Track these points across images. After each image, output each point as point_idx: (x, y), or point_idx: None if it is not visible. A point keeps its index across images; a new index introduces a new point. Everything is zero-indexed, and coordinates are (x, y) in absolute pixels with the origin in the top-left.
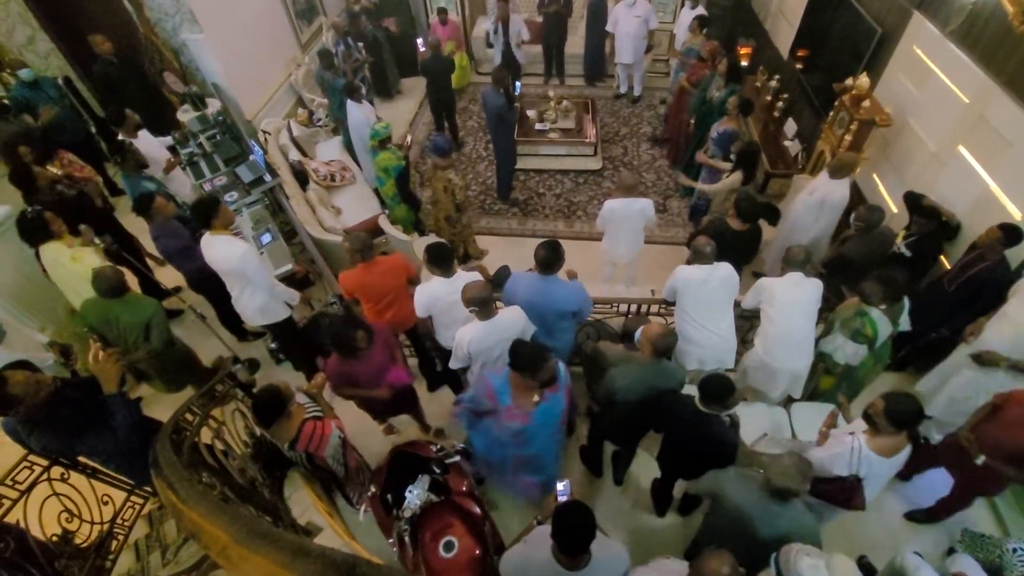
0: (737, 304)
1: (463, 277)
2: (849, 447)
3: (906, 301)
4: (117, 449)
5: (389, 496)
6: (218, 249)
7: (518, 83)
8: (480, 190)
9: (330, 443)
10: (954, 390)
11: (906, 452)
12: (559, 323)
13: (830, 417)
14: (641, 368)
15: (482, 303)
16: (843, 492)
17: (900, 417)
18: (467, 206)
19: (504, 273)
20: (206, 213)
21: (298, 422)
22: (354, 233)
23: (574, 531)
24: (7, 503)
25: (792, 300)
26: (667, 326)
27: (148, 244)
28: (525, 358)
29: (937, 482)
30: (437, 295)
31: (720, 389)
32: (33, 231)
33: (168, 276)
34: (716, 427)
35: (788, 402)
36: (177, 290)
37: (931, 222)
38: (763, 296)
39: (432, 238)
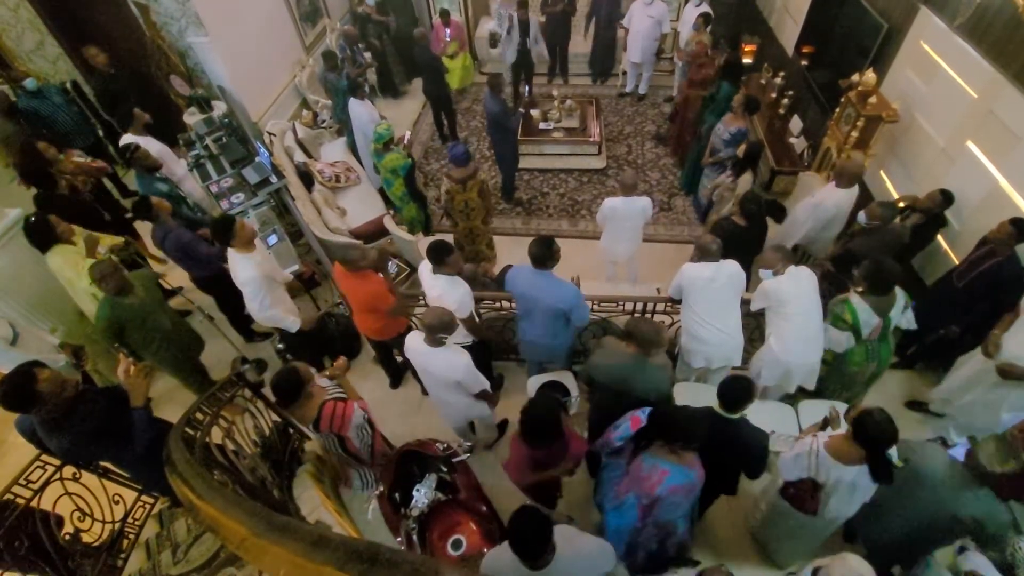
0: (744, 302)
1: (440, 280)
2: (807, 448)
3: (900, 296)
4: (133, 459)
5: (397, 495)
6: (233, 266)
7: (528, 86)
8: None
9: (353, 423)
10: (977, 397)
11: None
12: (553, 322)
13: (812, 427)
14: (621, 357)
15: (444, 329)
16: (801, 495)
17: (863, 432)
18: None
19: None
20: (225, 233)
21: (318, 403)
22: (351, 242)
23: (524, 538)
24: (21, 502)
25: (801, 293)
26: (658, 325)
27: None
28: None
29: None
30: (421, 276)
31: (741, 392)
32: (40, 237)
33: (174, 276)
34: (745, 431)
35: (795, 400)
36: (180, 289)
37: (945, 202)
38: (772, 298)
39: (435, 238)
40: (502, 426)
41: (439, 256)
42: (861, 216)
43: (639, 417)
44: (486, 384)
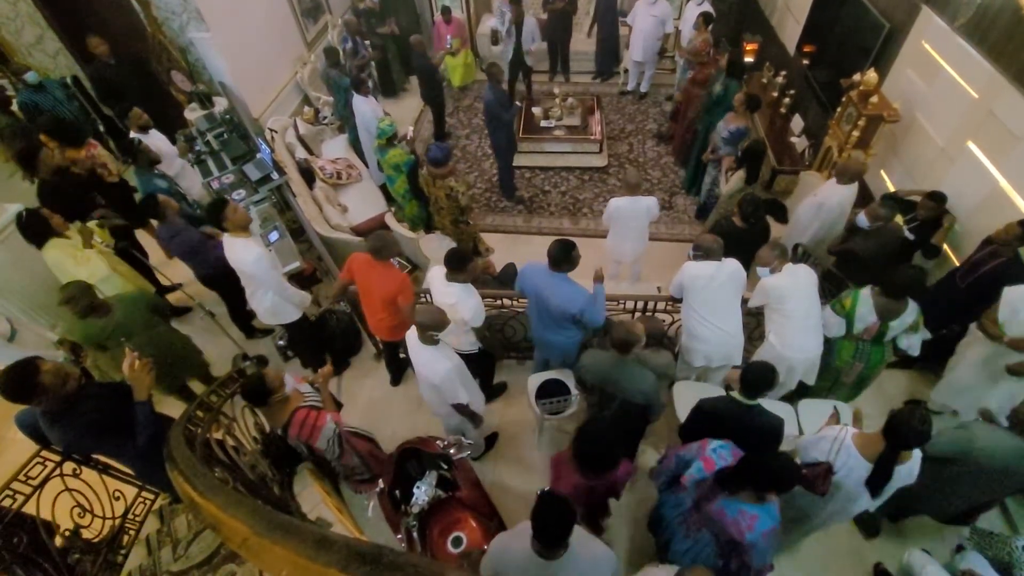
0: (744, 301)
1: (454, 288)
2: (834, 435)
3: (912, 312)
4: (134, 454)
5: (397, 492)
6: (235, 251)
7: (527, 83)
8: (486, 187)
9: (323, 434)
10: (976, 394)
11: None
12: (560, 323)
13: (831, 419)
14: (603, 358)
15: (436, 327)
16: (814, 476)
17: (894, 423)
18: (471, 208)
19: (510, 271)
20: (215, 214)
21: (292, 408)
22: (380, 232)
23: (550, 521)
24: (20, 498)
25: (799, 289)
26: (629, 322)
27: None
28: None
29: None
30: (432, 282)
31: (764, 378)
32: (34, 232)
33: (174, 272)
34: (762, 417)
35: (795, 399)
36: (179, 286)
37: (937, 207)
38: (771, 295)
39: (437, 236)
40: (490, 439)
41: (459, 264)
42: (862, 219)
43: (711, 459)
44: (463, 399)
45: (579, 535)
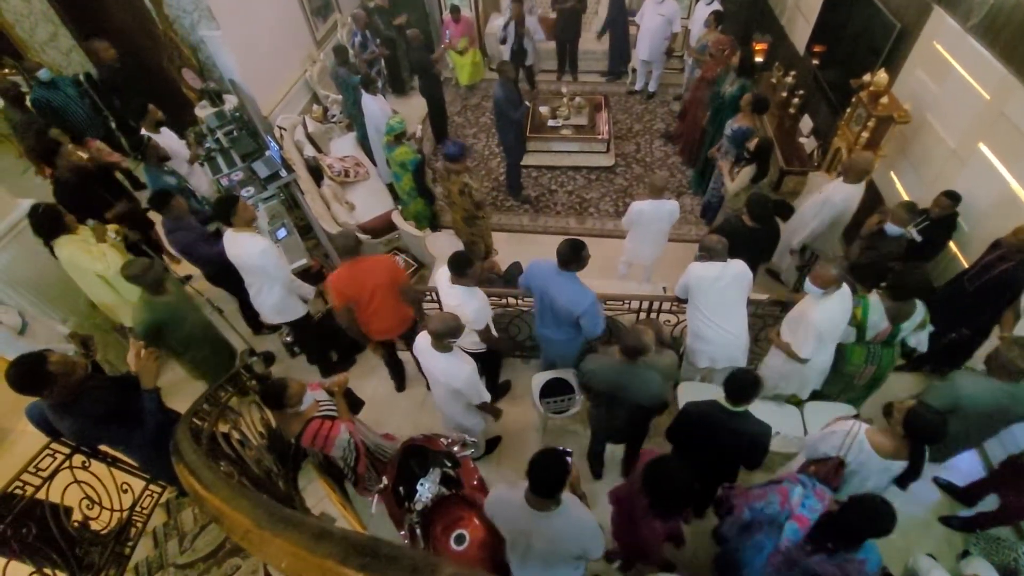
0: (750, 302)
1: (457, 290)
2: (847, 430)
3: (920, 311)
4: (143, 443)
5: (401, 488)
6: (239, 245)
7: (529, 82)
8: (492, 186)
9: (337, 444)
10: None
11: (900, 465)
12: (562, 322)
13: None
14: (611, 363)
15: (451, 334)
16: (826, 472)
17: (915, 424)
18: (485, 203)
19: (516, 270)
20: (225, 210)
21: (305, 419)
22: (340, 231)
23: (543, 471)
24: (30, 489)
25: (839, 319)
26: (639, 330)
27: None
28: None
29: (966, 464)
30: (438, 281)
31: (748, 386)
32: (45, 226)
33: (182, 267)
34: (749, 424)
35: (800, 401)
36: (188, 278)
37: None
38: (825, 336)
39: (444, 234)
40: (493, 442)
41: (460, 268)
42: (893, 228)
43: (804, 517)
44: (486, 397)
45: (574, 501)
